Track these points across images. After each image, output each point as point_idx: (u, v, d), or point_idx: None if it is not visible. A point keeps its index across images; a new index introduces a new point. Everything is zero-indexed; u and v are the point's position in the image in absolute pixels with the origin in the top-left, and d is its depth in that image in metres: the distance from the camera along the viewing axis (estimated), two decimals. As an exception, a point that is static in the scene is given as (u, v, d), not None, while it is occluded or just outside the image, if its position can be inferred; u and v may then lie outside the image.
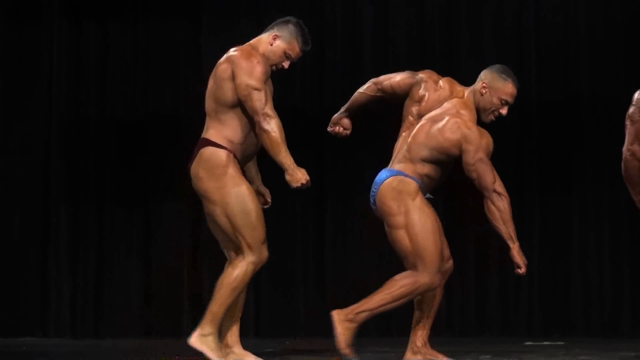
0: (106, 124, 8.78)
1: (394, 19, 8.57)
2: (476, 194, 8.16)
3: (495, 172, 5.32)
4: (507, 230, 5.35)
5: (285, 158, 5.03)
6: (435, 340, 5.44)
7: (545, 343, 7.50)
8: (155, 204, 8.68)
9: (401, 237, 5.26)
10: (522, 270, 5.31)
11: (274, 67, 5.29)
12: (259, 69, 5.11)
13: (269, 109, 5.06)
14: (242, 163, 5.22)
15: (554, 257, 8.26)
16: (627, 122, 5.18)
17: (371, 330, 8.29)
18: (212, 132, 5.19)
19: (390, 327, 8.24)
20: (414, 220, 5.24)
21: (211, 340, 5.10)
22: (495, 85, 5.39)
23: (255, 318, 8.28)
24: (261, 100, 5.05)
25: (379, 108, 8.42)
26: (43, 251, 8.72)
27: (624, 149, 5.13)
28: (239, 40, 5.49)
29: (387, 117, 8.25)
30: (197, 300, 8.47)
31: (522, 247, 8.14)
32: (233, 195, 5.08)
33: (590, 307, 8.13)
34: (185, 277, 8.58)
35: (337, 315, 5.24)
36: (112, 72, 8.80)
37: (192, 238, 8.63)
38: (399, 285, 5.23)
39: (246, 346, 5.31)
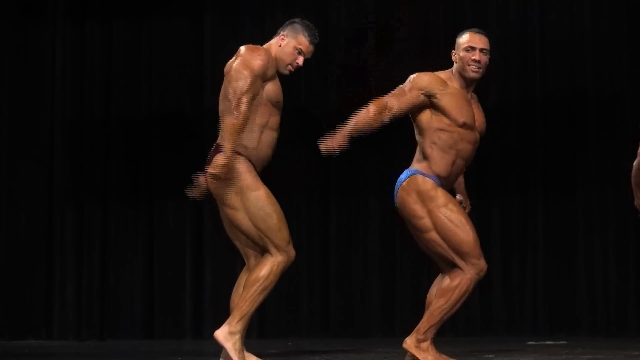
0: (110, 122, 8.78)
1: (398, 19, 8.54)
2: (477, 194, 8.23)
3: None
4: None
5: (229, 147, 5.01)
6: (439, 340, 5.42)
7: (548, 343, 7.49)
8: (160, 203, 8.67)
9: (433, 238, 5.26)
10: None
11: (289, 67, 5.27)
12: (257, 61, 5.11)
13: (244, 99, 5.05)
14: (258, 166, 5.21)
15: (559, 256, 8.23)
16: None
17: (375, 331, 8.32)
18: None
19: (394, 328, 8.24)
20: (440, 218, 5.23)
21: (237, 339, 5.09)
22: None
23: (259, 319, 8.26)
24: (242, 88, 5.06)
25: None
26: (48, 252, 8.71)
27: None
28: (242, 40, 5.51)
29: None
30: (200, 301, 8.51)
31: (528, 247, 8.24)
32: (253, 200, 5.10)
33: (596, 306, 8.10)
34: (188, 278, 8.56)
35: (409, 342, 5.25)
36: (117, 71, 8.81)
37: (195, 238, 8.62)
38: (452, 290, 5.24)
39: (250, 347, 5.30)
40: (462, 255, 5.24)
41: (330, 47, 8.56)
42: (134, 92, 8.78)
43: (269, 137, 5.21)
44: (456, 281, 5.24)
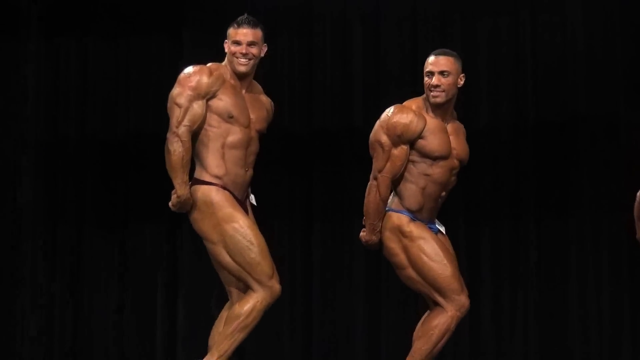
0: (85, 143, 8.67)
1: (385, 39, 8.45)
2: (467, 220, 8.12)
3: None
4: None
5: (179, 185, 4.97)
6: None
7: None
8: (135, 227, 8.56)
9: (410, 275, 5.27)
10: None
11: (237, 62, 5.20)
12: (189, 83, 5.07)
13: (180, 129, 5.00)
14: (237, 191, 5.09)
15: (550, 284, 8.12)
16: None
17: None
18: (198, 169, 5.13)
19: (380, 356, 8.14)
20: (414, 253, 5.25)
21: None
22: None
23: (237, 351, 8.07)
24: (177, 118, 5.01)
25: (367, 129, 8.33)
26: (12, 282, 8.53)
27: None
28: (222, 57, 5.46)
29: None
30: (172, 331, 8.36)
31: (519, 273, 8.09)
32: (230, 232, 4.98)
33: (589, 337, 7.99)
34: (159, 311, 8.42)
35: None
36: (92, 90, 8.69)
37: (168, 269, 8.48)
38: (431, 330, 5.22)
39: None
40: (439, 291, 5.17)
41: (315, 67, 8.45)
42: (110, 112, 8.65)
43: (232, 156, 5.05)
44: (435, 321, 5.18)
